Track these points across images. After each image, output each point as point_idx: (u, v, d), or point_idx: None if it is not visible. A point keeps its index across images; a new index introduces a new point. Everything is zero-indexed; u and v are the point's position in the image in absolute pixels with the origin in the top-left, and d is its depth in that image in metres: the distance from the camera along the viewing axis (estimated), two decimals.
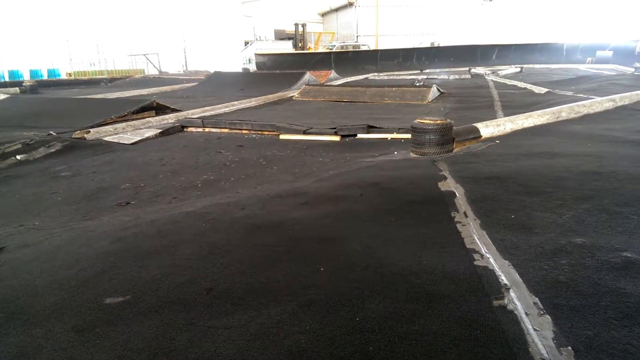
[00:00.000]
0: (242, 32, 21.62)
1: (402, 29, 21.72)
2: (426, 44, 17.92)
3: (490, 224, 1.49)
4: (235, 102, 6.05)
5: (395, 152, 2.95)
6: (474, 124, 3.16)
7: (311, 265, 1.22)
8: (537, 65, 13.39)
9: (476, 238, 1.38)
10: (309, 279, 1.15)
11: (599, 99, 4.41)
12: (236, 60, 19.39)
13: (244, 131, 4.20)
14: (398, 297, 1.05)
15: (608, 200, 1.64)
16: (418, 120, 2.91)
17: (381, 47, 17.91)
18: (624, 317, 0.93)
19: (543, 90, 6.69)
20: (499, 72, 10.73)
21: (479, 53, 14.36)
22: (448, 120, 2.85)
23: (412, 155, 2.80)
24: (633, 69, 8.32)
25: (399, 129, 3.78)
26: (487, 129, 3.14)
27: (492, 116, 4.79)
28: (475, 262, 1.21)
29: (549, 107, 4.40)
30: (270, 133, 4.02)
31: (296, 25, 18.64)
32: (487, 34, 21.77)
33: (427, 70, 12.86)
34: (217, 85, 9.21)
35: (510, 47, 14.89)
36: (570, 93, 6.14)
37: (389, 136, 3.68)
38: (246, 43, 20.20)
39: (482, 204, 1.68)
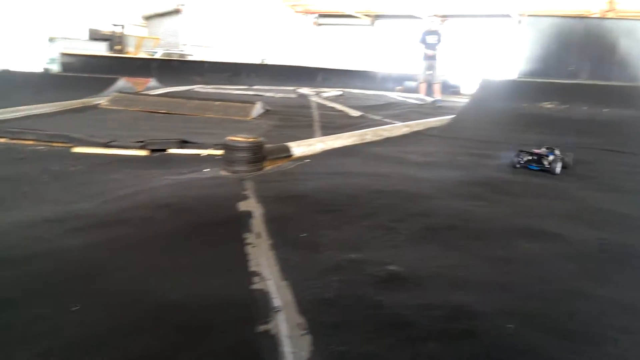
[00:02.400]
0: (47, 27, 18.97)
1: (234, 43, 21.91)
2: (257, 60, 18.41)
3: (281, 243, 1.54)
4: (23, 108, 5.21)
5: (206, 170, 2.89)
6: (287, 143, 3.31)
7: (62, 305, 1.07)
8: (355, 90, 14.91)
9: (263, 260, 1.41)
10: (53, 322, 1.00)
11: (398, 124, 5.10)
12: (37, 58, 16.88)
13: (28, 142, 3.62)
14: (163, 333, 0.99)
15: (386, 217, 1.86)
16: (230, 137, 2.91)
17: (210, 59, 17.77)
18: (377, 329, 1.04)
19: (357, 113, 7.45)
20: (322, 93, 11.60)
21: (305, 75, 15.34)
22: (260, 139, 2.92)
23: (223, 173, 2.78)
24: (433, 99, 9.88)
25: (215, 145, 3.73)
26: (299, 148, 3.32)
27: (310, 135, 5.11)
28: (254, 286, 1.22)
29: (359, 130, 4.92)
30: (63, 145, 3.55)
31: (114, 25, 17.22)
32: (315, 56, 23.53)
33: (256, 87, 13.17)
34: (5, 86, 7.84)
35: (334, 71, 16.33)
36: (379, 117, 6.97)
37: (204, 152, 3.60)
38: (51, 40, 17.77)
39: (278, 224, 1.73)
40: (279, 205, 1.97)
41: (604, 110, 5.27)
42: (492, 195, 2.36)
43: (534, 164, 3.03)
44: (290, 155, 3.22)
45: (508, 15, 19.84)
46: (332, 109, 8.56)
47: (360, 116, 7.19)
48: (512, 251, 1.55)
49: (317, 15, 25.39)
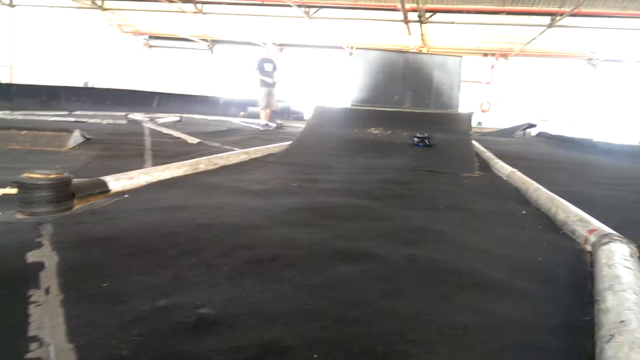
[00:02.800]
0: None
1: (48, 63, 19.69)
2: (79, 83, 16.83)
3: (74, 298, 1.35)
4: None
5: None
6: (103, 177, 3.01)
7: None
8: (196, 116, 14.60)
9: (47, 320, 1.21)
10: None
11: (236, 151, 5.09)
12: None
13: None
14: None
15: (209, 253, 1.79)
16: (27, 173, 2.53)
17: (18, 81, 15.66)
18: None
19: (195, 140, 7.25)
20: (158, 119, 11.06)
21: (139, 99, 14.52)
22: (65, 174, 2.60)
23: (19, 216, 2.39)
24: (265, 123, 10.22)
25: (14, 182, 3.22)
26: (118, 182, 3.05)
27: (139, 166, 4.77)
28: (29, 355, 1.04)
29: (198, 157, 4.77)
30: None
31: None
32: (150, 80, 22.45)
33: (78, 112, 11.98)
34: None
35: (171, 95, 15.77)
36: (218, 144, 6.89)
37: None
38: None
39: (75, 274, 1.53)
40: (80, 252, 1.75)
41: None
42: (320, 220, 2.47)
43: (421, 143, 5.59)
44: (107, 191, 2.94)
45: (341, 47, 21.71)
46: (169, 136, 8.19)
47: (199, 143, 7.02)
48: (329, 276, 1.61)
49: (147, 36, 24.35)
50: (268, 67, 10.09)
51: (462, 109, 9.39)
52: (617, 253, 1.69)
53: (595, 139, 12.59)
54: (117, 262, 1.67)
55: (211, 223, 2.23)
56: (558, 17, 14.24)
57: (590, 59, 21.32)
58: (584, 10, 14.45)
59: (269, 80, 10.04)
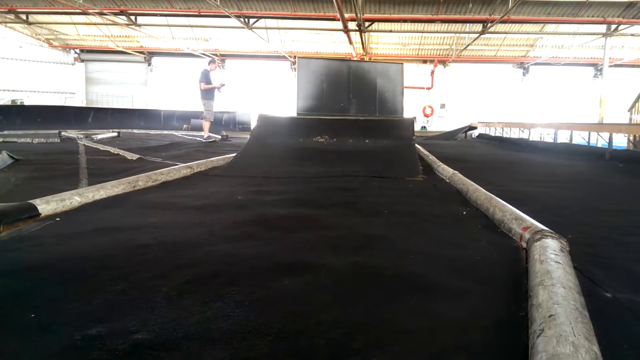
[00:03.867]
0: None
1: None
2: (6, 101, 15.92)
3: None
4: None
5: None
6: (31, 201, 2.84)
7: None
8: (136, 131, 14.16)
9: None
10: None
11: (179, 165, 4.96)
12: None
13: None
14: None
15: (146, 274, 1.73)
16: None
17: None
18: None
19: (135, 156, 7.01)
20: (94, 136, 10.62)
21: (72, 115, 13.90)
22: None
23: None
24: (205, 137, 10.06)
25: None
26: (49, 205, 2.88)
27: (74, 186, 4.55)
28: None
29: (137, 174, 4.61)
30: None
31: None
32: (83, 96, 21.54)
33: (6, 132, 11.31)
34: None
35: (107, 110, 15.23)
36: (159, 159, 6.70)
37: None
38: None
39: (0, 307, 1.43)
40: (5, 283, 1.63)
41: (366, 141, 6.13)
42: (265, 233, 2.44)
43: None
44: (37, 215, 2.77)
45: (284, 57, 21.79)
46: (106, 152, 7.88)
47: (139, 159, 6.80)
48: (272, 290, 1.60)
49: (78, 50, 23.36)
50: (209, 78, 9.96)
51: (406, 114, 9.65)
52: (549, 249, 1.79)
53: (530, 139, 13.33)
54: (45, 291, 1.57)
55: (149, 243, 2.15)
56: (489, 24, 15.00)
57: (521, 63, 22.61)
58: (512, 17, 15.33)
59: (208, 90, 9.90)
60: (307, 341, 1.25)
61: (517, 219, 2.47)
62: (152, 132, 14.37)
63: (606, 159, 8.24)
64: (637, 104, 11.82)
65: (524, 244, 2.21)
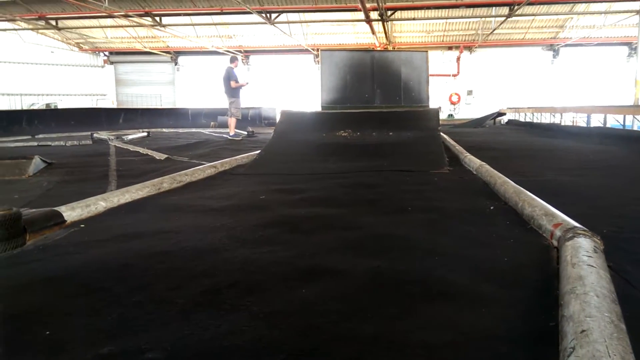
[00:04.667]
0: None
1: (9, 88, 19.16)
2: (41, 105, 16.42)
3: (15, 350, 1.25)
4: None
5: None
6: (57, 208, 2.88)
7: None
8: (165, 130, 14.37)
9: None
10: None
11: (202, 166, 4.97)
12: None
13: None
14: None
15: (163, 285, 1.70)
16: None
17: None
18: None
19: (163, 156, 7.09)
20: (124, 137, 10.83)
21: (104, 117, 14.21)
22: (14, 209, 2.45)
23: None
24: (231, 135, 10.10)
25: None
26: (75, 212, 2.91)
27: (103, 188, 4.63)
28: None
29: (166, 174, 4.64)
30: None
31: None
32: (115, 97, 22.01)
33: (41, 136, 11.65)
34: None
35: (137, 111, 15.49)
36: (186, 159, 6.75)
37: None
38: None
39: (13, 324, 1.42)
40: (25, 296, 1.63)
41: (390, 134, 6.00)
42: (284, 236, 2.39)
43: None
44: (63, 222, 2.80)
45: (307, 50, 21.68)
46: (135, 153, 8.01)
47: (166, 159, 6.87)
48: (288, 301, 1.54)
49: (107, 53, 23.87)
50: (235, 75, 9.98)
51: (432, 102, 9.45)
52: (581, 249, 1.67)
53: (561, 123, 12.86)
54: (63, 305, 1.56)
55: (168, 250, 2.13)
56: (516, 7, 14.49)
57: (551, 45, 21.81)
58: None
59: (235, 86, 9.91)
60: (321, 359, 1.19)
61: (548, 215, 2.34)
62: (181, 130, 14.56)
63: None
64: None
65: (555, 242, 2.08)
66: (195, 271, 1.85)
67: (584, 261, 1.53)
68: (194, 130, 14.85)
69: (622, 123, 10.13)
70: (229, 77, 9.80)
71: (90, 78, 22.88)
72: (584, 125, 11.29)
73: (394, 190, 3.72)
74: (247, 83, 10.00)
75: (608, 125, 10.65)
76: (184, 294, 1.62)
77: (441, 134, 7.65)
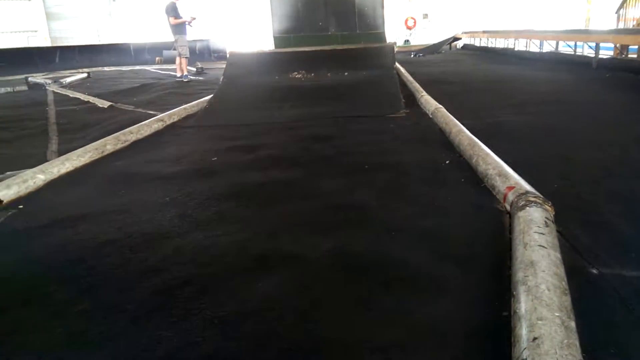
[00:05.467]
0: None
1: None
2: None
3: None
4: None
5: None
6: None
7: None
8: (107, 68, 13.46)
9: None
10: None
11: (148, 120, 4.67)
12: None
13: None
14: None
15: (110, 288, 1.62)
16: None
17: None
18: None
19: (106, 104, 6.66)
20: (63, 80, 10.06)
21: (37, 56, 13.09)
22: None
23: None
24: (181, 75, 9.53)
25: None
26: (11, 190, 2.70)
27: (44, 147, 4.34)
28: None
29: (109, 129, 4.37)
30: None
31: None
32: (45, 33, 20.19)
33: None
34: None
35: (74, 48, 14.34)
36: (131, 107, 6.36)
37: None
38: None
39: None
40: None
41: (345, 74, 5.83)
42: (239, 210, 2.32)
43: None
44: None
45: None
46: (76, 100, 7.49)
47: (110, 107, 6.47)
48: (243, 300, 1.49)
49: None
50: (178, 9, 9.20)
51: (387, 27, 9.13)
52: (533, 223, 1.70)
53: (515, 49, 12.91)
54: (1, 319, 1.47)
55: (116, 238, 2.02)
56: None
57: None
58: None
59: (178, 22, 9.17)
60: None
61: (501, 176, 2.35)
62: (124, 68, 13.68)
63: (593, 68, 8.02)
64: (625, 3, 11.30)
65: (507, 206, 2.11)
66: (144, 266, 1.76)
67: (536, 241, 1.55)
68: (138, 67, 13.98)
69: (574, 48, 10.27)
70: (169, 12, 9.06)
71: (17, 12, 20.71)
72: (537, 50, 11.38)
73: (349, 144, 3.65)
74: (193, 19, 9.26)
75: (560, 48, 10.81)
76: (132, 297, 1.54)
77: (397, 66, 7.53)
